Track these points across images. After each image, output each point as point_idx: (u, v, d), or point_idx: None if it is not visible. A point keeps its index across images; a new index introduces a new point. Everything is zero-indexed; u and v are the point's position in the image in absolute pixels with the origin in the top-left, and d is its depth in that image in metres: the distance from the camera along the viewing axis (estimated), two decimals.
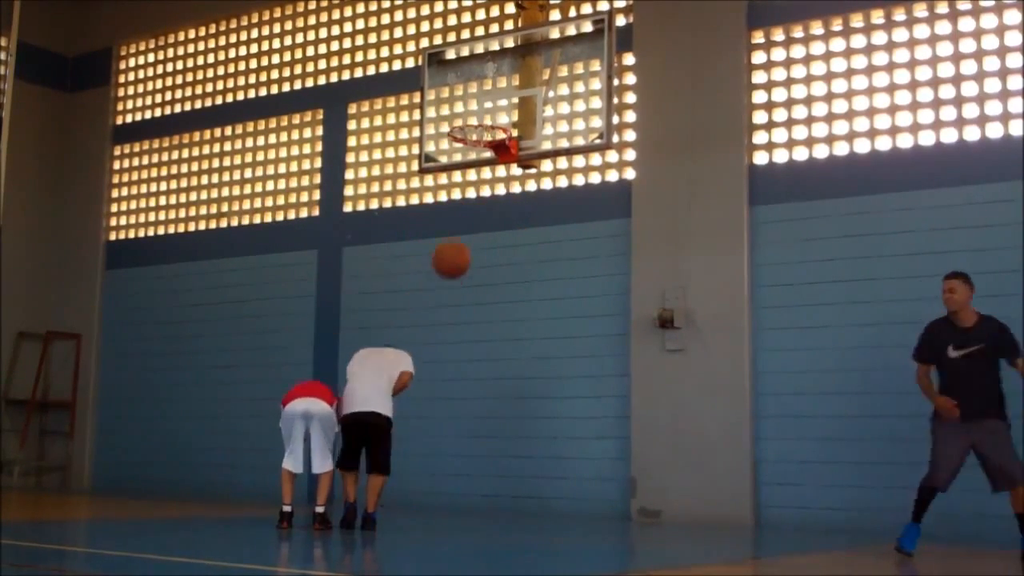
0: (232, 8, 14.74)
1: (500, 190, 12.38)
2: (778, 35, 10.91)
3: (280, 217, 14.06)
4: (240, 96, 14.62)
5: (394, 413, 8.83)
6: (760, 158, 10.84)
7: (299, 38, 14.20)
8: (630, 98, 11.57)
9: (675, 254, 10.89)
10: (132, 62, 15.84)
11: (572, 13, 11.84)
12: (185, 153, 15.09)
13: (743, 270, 10.59)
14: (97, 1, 15.92)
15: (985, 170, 9.73)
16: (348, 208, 13.45)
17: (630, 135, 11.52)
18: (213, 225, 14.62)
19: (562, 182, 11.98)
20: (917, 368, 7.99)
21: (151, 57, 15.66)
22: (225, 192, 14.61)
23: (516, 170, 11.73)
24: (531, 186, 12.19)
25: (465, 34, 12.75)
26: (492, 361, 11.92)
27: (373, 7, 13.64)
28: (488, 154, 9.82)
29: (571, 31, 10.32)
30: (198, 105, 15.02)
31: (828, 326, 10.21)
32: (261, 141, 14.38)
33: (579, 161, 11.84)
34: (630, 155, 11.51)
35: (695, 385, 10.61)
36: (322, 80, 13.92)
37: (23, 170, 14.45)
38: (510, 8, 12.02)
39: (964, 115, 9.94)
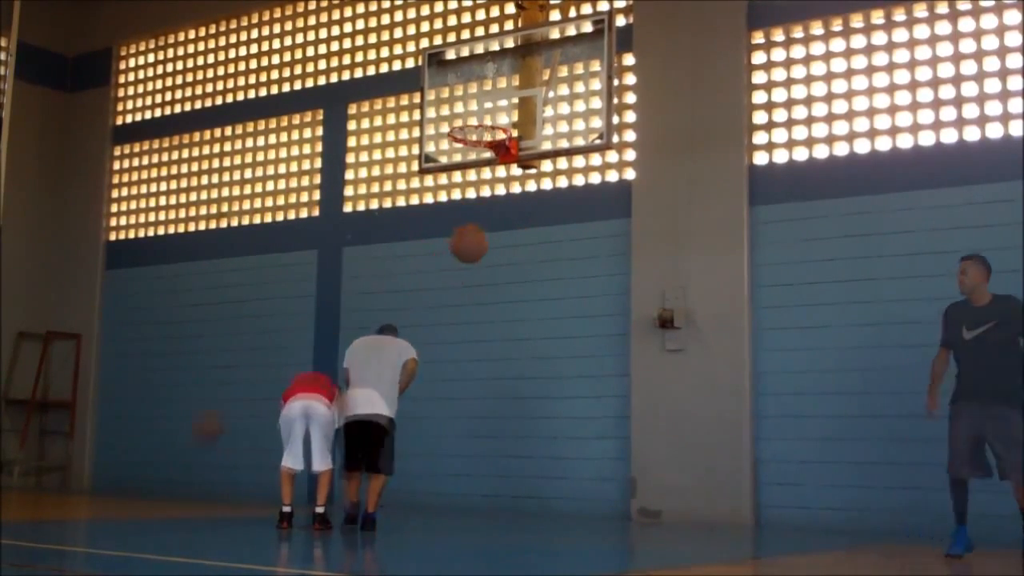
0: (232, 8, 14.74)
1: (500, 190, 12.38)
2: (778, 35, 10.91)
3: (280, 217, 14.06)
4: (240, 96, 14.62)
5: (396, 411, 8.82)
6: (760, 158, 10.84)
7: (299, 38, 14.21)
8: (630, 98, 11.57)
9: (675, 254, 10.89)
10: (132, 62, 15.84)
11: (572, 13, 11.84)
12: (185, 153, 15.08)
13: (743, 270, 10.59)
14: (97, 1, 15.92)
15: (985, 170, 9.73)
16: (348, 208, 13.45)
17: (630, 135, 11.52)
18: (213, 225, 14.62)
19: (562, 182, 11.98)
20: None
21: (151, 57, 15.65)
22: (225, 192, 14.61)
23: (516, 170, 11.73)
24: (531, 186, 12.19)
25: (465, 34, 12.75)
26: (492, 361, 11.92)
27: (373, 7, 13.64)
28: (488, 154, 9.82)
29: (571, 31, 10.32)
30: (198, 105, 15.02)
31: (828, 326, 10.21)
32: (261, 141, 14.38)
33: (579, 161, 11.85)
34: (630, 155, 11.51)
35: (695, 385, 10.61)
36: (322, 80, 13.92)
37: (23, 170, 14.44)
38: (510, 8, 12.02)
39: (964, 115, 9.94)
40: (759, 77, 10.94)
